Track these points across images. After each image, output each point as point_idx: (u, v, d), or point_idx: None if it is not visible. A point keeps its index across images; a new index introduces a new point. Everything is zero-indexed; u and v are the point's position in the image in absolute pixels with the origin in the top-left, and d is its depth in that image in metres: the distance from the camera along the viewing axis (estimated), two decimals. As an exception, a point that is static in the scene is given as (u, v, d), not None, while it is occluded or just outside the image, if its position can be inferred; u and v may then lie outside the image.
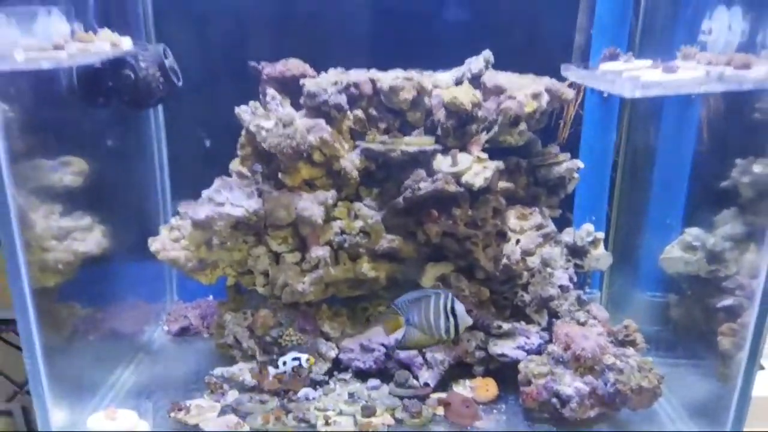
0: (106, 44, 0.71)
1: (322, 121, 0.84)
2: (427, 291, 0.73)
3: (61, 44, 0.64)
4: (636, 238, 0.99)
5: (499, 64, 0.92)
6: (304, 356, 0.80)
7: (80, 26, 0.73)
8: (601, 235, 0.95)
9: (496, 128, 0.85)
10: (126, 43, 0.75)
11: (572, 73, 0.79)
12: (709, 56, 0.67)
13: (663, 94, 0.69)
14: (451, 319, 0.69)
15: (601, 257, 0.95)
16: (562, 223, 0.98)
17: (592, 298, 1.01)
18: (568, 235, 0.95)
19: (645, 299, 0.97)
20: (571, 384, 0.77)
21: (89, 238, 0.87)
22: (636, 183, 0.98)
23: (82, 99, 0.76)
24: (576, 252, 0.94)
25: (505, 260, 0.84)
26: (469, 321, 0.70)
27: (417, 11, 0.96)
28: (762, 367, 1.19)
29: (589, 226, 0.95)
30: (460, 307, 0.70)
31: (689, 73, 0.62)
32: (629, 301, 1.00)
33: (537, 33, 0.98)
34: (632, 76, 0.64)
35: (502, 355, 0.84)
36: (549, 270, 0.87)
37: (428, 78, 0.89)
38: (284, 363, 0.79)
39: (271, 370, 0.80)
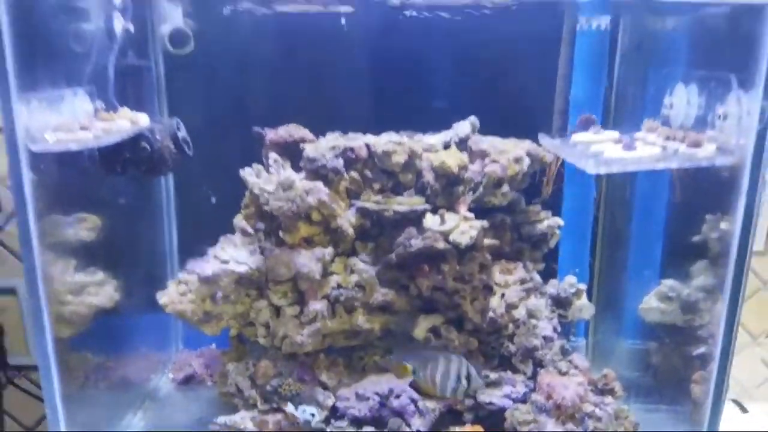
0: (126, 122, 0.79)
1: (320, 184, 0.91)
2: (438, 354, 0.80)
3: (86, 125, 0.72)
4: (617, 288, 1.05)
5: (485, 128, 1.00)
6: (317, 416, 0.86)
7: (102, 104, 0.81)
8: (583, 286, 1.01)
9: (481, 189, 0.92)
10: (143, 119, 0.84)
11: (547, 142, 0.87)
12: (668, 131, 0.74)
13: (623, 170, 0.76)
14: (464, 381, 0.76)
15: (584, 307, 1.01)
16: (548, 274, 1.04)
17: (577, 346, 1.07)
18: (552, 287, 1.01)
19: (627, 347, 1.03)
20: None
21: (102, 292, 0.93)
22: (615, 237, 1.04)
23: (101, 167, 0.84)
24: (560, 303, 1.00)
25: (491, 313, 0.90)
26: (482, 384, 0.77)
27: (410, 79, 1.05)
28: (745, 410, 1.23)
29: (571, 278, 1.01)
30: (474, 371, 0.76)
31: (647, 151, 0.69)
32: (613, 348, 1.05)
33: (521, 98, 1.06)
34: (597, 150, 0.72)
35: (490, 403, 0.89)
36: (533, 321, 0.93)
37: (419, 142, 0.96)
38: (303, 411, 0.85)
39: (290, 406, 0.86)
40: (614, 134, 0.80)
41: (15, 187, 0.70)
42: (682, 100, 0.77)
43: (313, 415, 0.85)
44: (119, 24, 0.82)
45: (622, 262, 1.03)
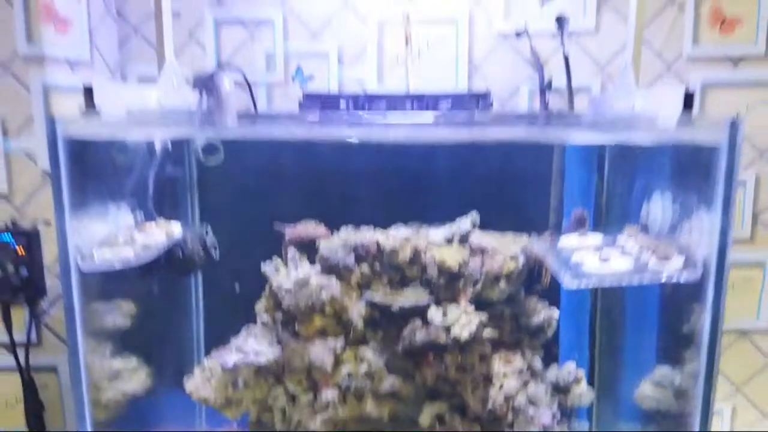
0: (162, 234, 0.91)
1: (333, 279, 1.01)
2: None
3: (128, 238, 0.84)
4: (616, 374, 1.10)
5: (487, 223, 1.09)
6: None
7: (141, 214, 0.94)
8: (582, 373, 1.07)
9: (480, 285, 1.00)
10: (176, 228, 0.96)
11: (537, 246, 0.96)
12: (643, 240, 0.82)
13: (597, 285, 0.84)
14: None
15: (583, 394, 1.06)
16: (549, 359, 1.11)
17: (580, 429, 1.12)
18: (552, 374, 1.07)
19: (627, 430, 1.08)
20: None
21: (135, 378, 1.03)
22: (612, 324, 1.11)
23: (139, 270, 0.95)
24: (559, 389, 1.06)
25: (490, 403, 0.97)
26: None
27: (420, 179, 1.16)
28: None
29: (571, 365, 1.08)
30: None
31: (620, 264, 0.77)
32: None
33: (521, 195, 1.15)
34: (577, 261, 0.80)
35: None
36: (531, 411, 0.99)
37: (423, 238, 1.06)
38: None
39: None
40: (598, 239, 0.88)
41: (65, 286, 0.80)
42: (658, 208, 0.85)
43: None
44: (159, 142, 0.95)
45: (620, 349, 1.09)
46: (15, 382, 1.30)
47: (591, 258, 0.80)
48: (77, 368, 0.85)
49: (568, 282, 0.78)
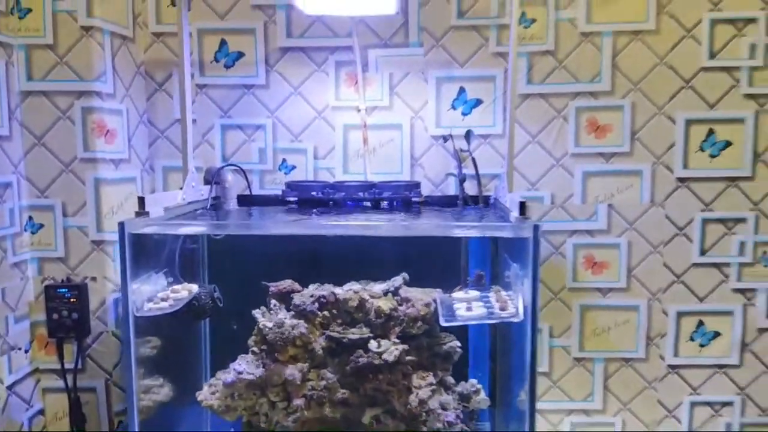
0: (184, 292, 1.37)
1: (302, 321, 1.46)
2: None
3: (164, 296, 1.30)
4: (506, 386, 1.55)
5: (413, 281, 1.56)
6: None
7: (171, 278, 1.40)
8: (481, 386, 1.52)
9: (405, 324, 1.46)
10: (193, 288, 1.42)
11: (437, 296, 1.42)
12: (496, 295, 1.29)
13: (461, 324, 1.30)
14: None
15: (481, 401, 1.51)
16: (461, 377, 1.56)
17: (483, 428, 1.57)
18: (460, 387, 1.52)
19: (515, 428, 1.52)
20: None
21: (162, 392, 1.48)
22: (503, 350, 1.56)
23: (173, 318, 1.41)
24: (464, 398, 1.51)
25: (410, 407, 1.42)
26: None
27: (366, 251, 1.62)
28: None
29: (473, 381, 1.53)
30: None
31: (478, 311, 1.24)
32: (504, 425, 1.54)
33: (438, 261, 1.62)
34: (455, 308, 1.26)
35: None
36: (441, 411, 1.43)
37: (367, 291, 1.52)
38: None
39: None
40: (476, 294, 1.34)
41: (124, 334, 1.26)
42: (509, 275, 1.32)
43: None
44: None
45: (507, 368, 1.54)
46: (63, 400, 1.73)
47: (463, 308, 1.26)
48: (131, 383, 1.29)
49: (442, 321, 1.25)
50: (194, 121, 1.78)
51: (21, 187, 1.63)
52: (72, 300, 1.65)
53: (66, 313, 1.65)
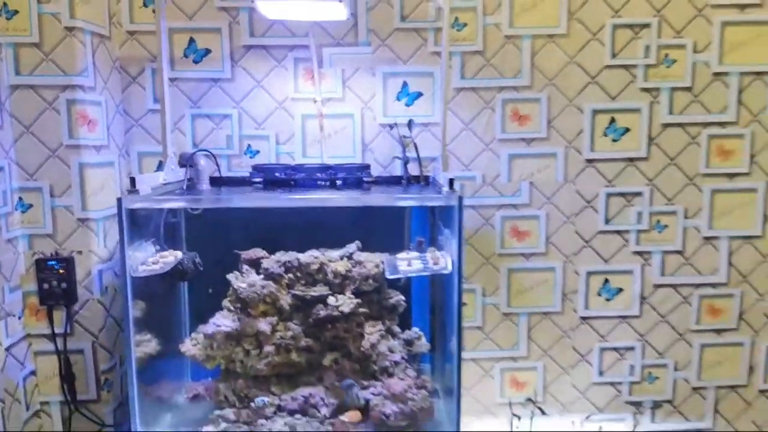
0: (171, 257, 1.63)
1: (270, 282, 1.74)
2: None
3: (155, 260, 1.55)
4: (441, 334, 1.88)
5: (365, 247, 1.86)
6: (267, 402, 1.65)
7: (158, 247, 1.65)
8: (422, 333, 1.84)
9: (358, 282, 1.76)
10: (178, 254, 1.67)
11: (384, 258, 1.73)
12: (432, 254, 1.60)
13: (402, 276, 1.61)
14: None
15: (422, 345, 1.83)
16: (406, 325, 1.87)
17: (424, 367, 1.89)
18: (405, 334, 1.84)
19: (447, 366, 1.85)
20: (392, 409, 1.63)
21: (151, 345, 1.73)
22: (442, 300, 1.88)
23: (158, 279, 1.66)
24: (409, 343, 1.83)
25: (362, 349, 1.72)
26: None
27: (325, 222, 1.90)
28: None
29: (416, 329, 1.85)
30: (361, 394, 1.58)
31: (415, 266, 1.55)
32: (442, 368, 1.87)
33: (386, 230, 1.92)
34: (398, 264, 1.57)
35: (365, 398, 1.69)
36: (388, 353, 1.75)
37: (325, 256, 1.81)
38: (261, 400, 1.63)
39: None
40: (416, 255, 1.65)
41: (123, 291, 1.51)
42: (442, 238, 1.64)
43: (263, 401, 1.64)
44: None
45: (443, 317, 1.86)
46: (54, 361, 1.94)
47: (404, 264, 1.57)
48: (129, 338, 1.54)
49: (387, 274, 1.55)
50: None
51: (12, 171, 1.83)
52: (60, 271, 1.86)
53: (55, 283, 1.86)
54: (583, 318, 2.21)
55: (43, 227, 1.86)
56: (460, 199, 1.43)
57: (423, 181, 2.00)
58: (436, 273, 1.53)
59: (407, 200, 1.68)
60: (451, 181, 1.53)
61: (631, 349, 2.24)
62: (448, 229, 1.57)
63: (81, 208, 1.87)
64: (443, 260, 1.55)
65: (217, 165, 2.05)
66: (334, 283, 1.76)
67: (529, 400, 2.20)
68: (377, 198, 1.64)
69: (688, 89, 2.12)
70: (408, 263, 1.57)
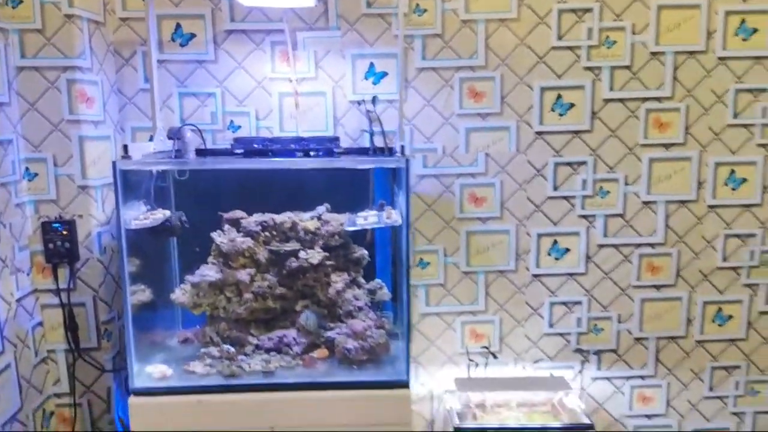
0: (160, 215, 1.88)
1: (249, 239, 2.00)
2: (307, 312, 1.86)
3: (146, 216, 1.81)
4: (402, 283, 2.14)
5: (333, 208, 2.12)
6: (233, 349, 1.92)
7: (149, 206, 1.91)
8: (384, 283, 2.10)
9: (325, 238, 2.02)
10: (166, 212, 1.93)
11: (347, 216, 1.98)
12: (387, 212, 1.86)
13: (358, 229, 1.87)
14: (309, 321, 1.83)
15: (384, 294, 2.10)
16: (371, 277, 2.14)
17: (387, 314, 2.16)
18: (369, 284, 2.11)
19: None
20: (353, 345, 1.89)
21: (144, 295, 1.99)
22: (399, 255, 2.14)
23: (149, 233, 1.92)
24: (372, 292, 2.09)
25: (330, 296, 1.99)
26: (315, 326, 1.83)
27: (297, 187, 2.16)
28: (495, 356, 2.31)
29: (378, 280, 2.11)
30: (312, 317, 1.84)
31: (371, 220, 1.80)
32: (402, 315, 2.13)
33: (351, 193, 2.18)
34: (356, 219, 1.83)
35: (330, 337, 1.96)
36: (354, 300, 2.01)
37: (298, 217, 2.07)
38: (228, 347, 1.89)
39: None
40: (374, 212, 1.91)
41: (119, 242, 1.77)
42: (395, 197, 1.90)
43: (229, 349, 1.90)
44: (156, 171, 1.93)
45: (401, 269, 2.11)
46: (58, 313, 2.20)
47: (362, 219, 1.83)
48: (125, 287, 1.79)
49: (346, 227, 1.81)
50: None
51: (19, 143, 2.07)
52: (64, 233, 2.11)
53: (59, 243, 2.11)
54: (535, 275, 2.45)
55: (48, 193, 2.10)
56: (407, 161, 1.69)
57: (387, 152, 2.24)
58: (389, 225, 1.79)
59: (364, 163, 1.92)
60: (402, 147, 1.78)
61: (579, 303, 2.50)
62: (400, 189, 1.83)
63: (81, 177, 2.11)
64: (395, 215, 1.81)
65: (203, 138, 2.30)
66: (305, 240, 2.01)
67: (485, 347, 2.46)
68: (340, 161, 1.89)
69: (628, 67, 2.36)
70: (365, 219, 1.83)
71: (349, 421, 1.78)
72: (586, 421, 2.17)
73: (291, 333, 1.95)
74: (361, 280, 2.08)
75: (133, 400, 1.79)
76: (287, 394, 1.80)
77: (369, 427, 1.75)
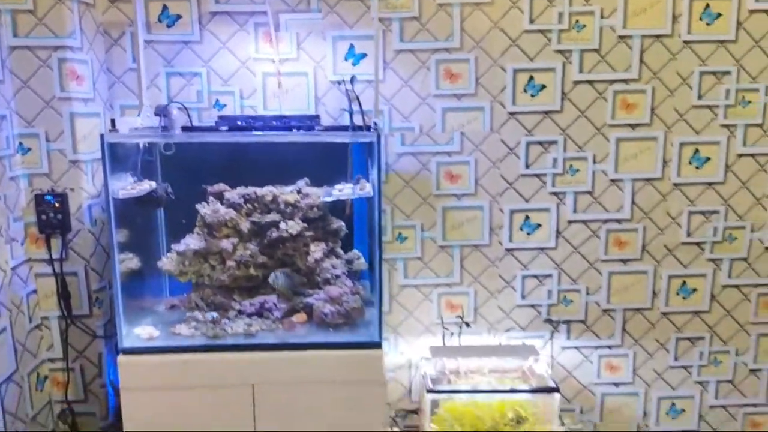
0: (147, 185, 2.00)
1: (231, 210, 2.12)
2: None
3: (132, 187, 1.92)
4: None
5: (313, 182, 2.24)
6: (216, 315, 2.04)
7: (136, 177, 2.02)
8: (361, 254, 2.22)
9: (305, 210, 2.14)
10: (152, 184, 2.04)
11: (322, 192, 2.10)
12: (361, 183, 1.98)
13: (334, 199, 1.99)
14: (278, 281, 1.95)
15: (361, 264, 2.22)
16: (350, 248, 2.26)
17: (364, 282, 2.28)
18: (347, 255, 2.23)
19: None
20: (330, 309, 2.02)
21: (133, 262, 2.11)
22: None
23: (135, 203, 2.03)
24: (349, 262, 2.21)
25: (308, 264, 2.11)
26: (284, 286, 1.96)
27: (279, 162, 2.27)
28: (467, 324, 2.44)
29: (356, 251, 2.23)
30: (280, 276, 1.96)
31: (345, 192, 1.92)
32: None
33: (330, 168, 2.29)
34: (334, 192, 1.95)
35: (308, 303, 2.09)
36: (331, 268, 2.13)
37: (279, 190, 2.19)
38: (210, 314, 2.02)
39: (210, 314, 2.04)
40: (349, 185, 2.03)
41: (107, 210, 1.88)
42: (369, 169, 2.02)
43: (213, 316, 2.03)
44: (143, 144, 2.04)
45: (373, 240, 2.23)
46: (51, 282, 2.31)
47: (338, 192, 1.95)
48: (114, 255, 1.91)
49: (322, 198, 1.93)
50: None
51: (13, 119, 2.18)
52: (56, 205, 2.22)
53: (52, 215, 2.22)
54: (508, 250, 2.57)
55: (41, 167, 2.21)
56: (378, 136, 1.80)
57: (365, 129, 2.35)
58: (362, 196, 1.91)
59: (338, 137, 2.03)
60: (375, 124, 1.90)
61: (549, 276, 2.63)
62: (372, 162, 1.95)
63: (72, 151, 2.22)
64: (368, 187, 1.93)
65: (189, 116, 2.40)
66: (285, 212, 2.13)
67: (459, 317, 2.59)
68: (316, 135, 2.00)
69: (596, 50, 2.47)
70: (340, 190, 1.95)
71: (326, 378, 1.91)
72: (552, 384, 2.31)
73: (272, 299, 2.07)
74: (339, 251, 2.20)
75: (122, 358, 1.92)
76: (268, 354, 1.93)
77: (345, 383, 1.89)
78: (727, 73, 2.47)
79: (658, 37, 2.45)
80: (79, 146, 2.22)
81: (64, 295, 2.28)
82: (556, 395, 2.27)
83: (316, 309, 2.02)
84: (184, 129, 2.32)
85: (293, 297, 2.01)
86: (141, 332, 1.99)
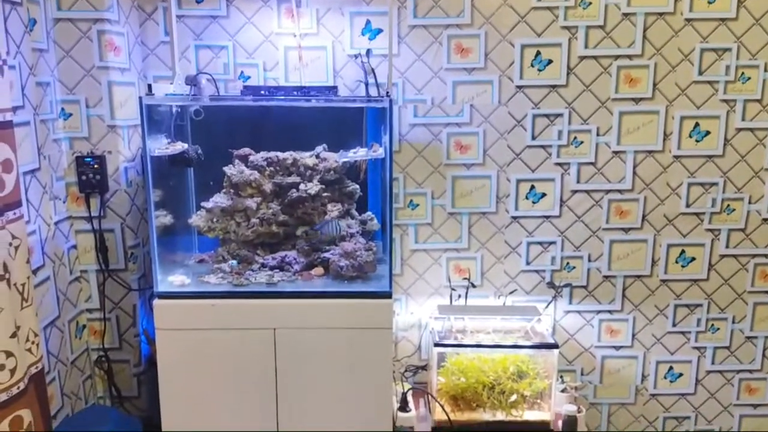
0: (179, 146, 2.20)
1: (255, 171, 2.32)
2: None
3: (166, 147, 2.12)
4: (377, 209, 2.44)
5: (330, 147, 2.42)
6: (236, 263, 2.24)
7: (170, 138, 2.22)
8: (374, 215, 2.41)
9: (322, 173, 2.33)
10: (185, 145, 2.24)
11: (341, 154, 2.29)
12: (374, 147, 2.16)
13: (349, 161, 2.17)
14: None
15: (375, 225, 2.41)
16: (364, 209, 2.45)
17: (377, 243, 2.47)
18: (362, 216, 2.42)
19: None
20: (344, 263, 2.21)
21: (167, 219, 2.32)
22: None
23: (169, 161, 2.24)
24: (364, 222, 2.40)
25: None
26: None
27: (299, 128, 2.46)
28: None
29: (370, 213, 2.42)
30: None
31: (359, 155, 2.10)
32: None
33: (346, 133, 2.47)
34: (345, 154, 2.13)
35: (326, 258, 2.28)
36: (348, 227, 2.32)
37: (299, 154, 2.38)
38: (231, 262, 2.22)
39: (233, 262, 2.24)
40: (364, 150, 2.21)
41: (144, 169, 2.08)
42: (381, 133, 2.19)
43: (233, 264, 2.23)
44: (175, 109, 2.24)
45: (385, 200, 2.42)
46: (91, 238, 2.54)
47: (351, 152, 2.13)
48: (151, 209, 2.12)
49: (337, 158, 2.11)
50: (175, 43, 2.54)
51: (56, 86, 2.39)
52: (95, 166, 2.42)
53: (91, 175, 2.43)
54: (514, 217, 2.72)
55: (81, 131, 2.42)
56: (390, 102, 1.98)
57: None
58: (374, 158, 2.09)
59: (353, 102, 2.21)
60: (387, 93, 2.07)
61: (553, 243, 2.78)
62: (384, 127, 2.12)
63: (110, 117, 2.42)
64: (380, 150, 2.11)
65: (216, 87, 2.59)
66: (305, 174, 2.32)
67: (465, 278, 2.77)
68: (333, 100, 2.18)
69: (601, 27, 2.61)
70: (355, 152, 2.13)
71: (341, 324, 2.11)
72: (552, 341, 2.48)
73: (292, 254, 2.26)
74: (354, 212, 2.38)
75: (157, 302, 2.13)
76: (288, 301, 2.12)
77: (357, 329, 2.08)
78: (728, 50, 2.59)
79: (661, 14, 2.58)
80: (117, 112, 2.42)
81: (102, 250, 2.48)
82: (555, 351, 2.44)
83: (332, 263, 2.21)
84: (212, 98, 2.51)
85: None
86: (174, 279, 2.20)
